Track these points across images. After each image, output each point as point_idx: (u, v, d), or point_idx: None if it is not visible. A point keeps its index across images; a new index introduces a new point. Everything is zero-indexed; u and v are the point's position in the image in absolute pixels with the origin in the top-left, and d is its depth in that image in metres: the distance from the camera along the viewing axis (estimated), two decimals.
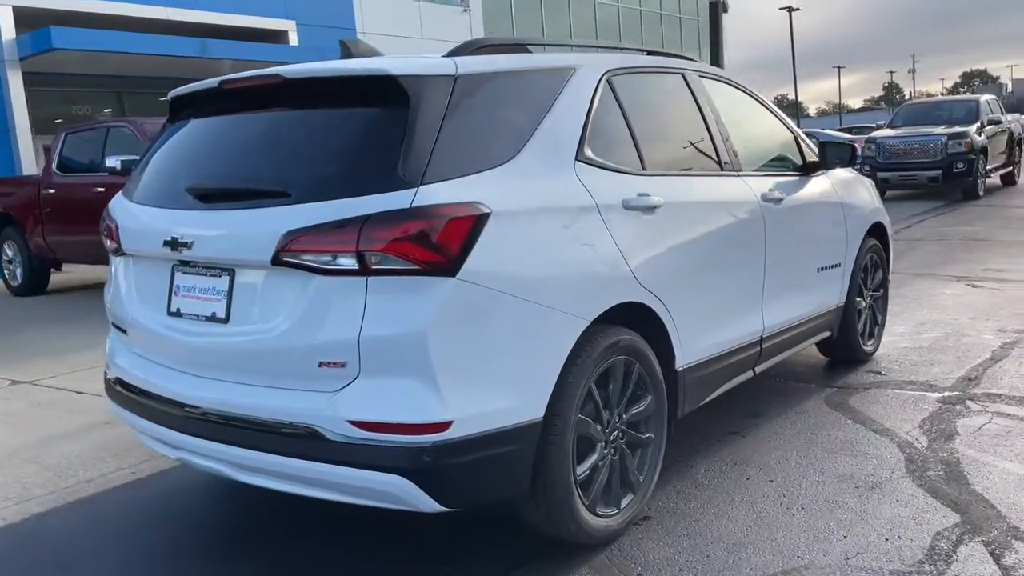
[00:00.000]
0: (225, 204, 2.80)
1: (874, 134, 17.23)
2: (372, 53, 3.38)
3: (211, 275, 2.82)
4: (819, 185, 4.62)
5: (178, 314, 2.91)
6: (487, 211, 2.54)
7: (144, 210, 3.07)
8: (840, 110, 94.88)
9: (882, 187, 15.01)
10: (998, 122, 16.67)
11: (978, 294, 7.11)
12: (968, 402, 4.36)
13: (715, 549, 2.94)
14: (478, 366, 2.53)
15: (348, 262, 2.46)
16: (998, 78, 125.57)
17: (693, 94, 3.84)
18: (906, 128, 16.47)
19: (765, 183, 4.08)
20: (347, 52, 3.33)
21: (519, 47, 3.17)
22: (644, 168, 3.27)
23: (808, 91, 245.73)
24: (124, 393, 3.16)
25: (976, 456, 3.64)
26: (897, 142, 15.85)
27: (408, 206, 2.43)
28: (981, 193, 15.55)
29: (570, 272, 2.80)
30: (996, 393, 4.47)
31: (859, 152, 4.27)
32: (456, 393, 2.46)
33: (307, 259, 2.51)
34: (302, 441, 2.55)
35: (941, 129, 15.65)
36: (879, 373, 4.99)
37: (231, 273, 2.76)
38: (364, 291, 2.46)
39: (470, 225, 2.50)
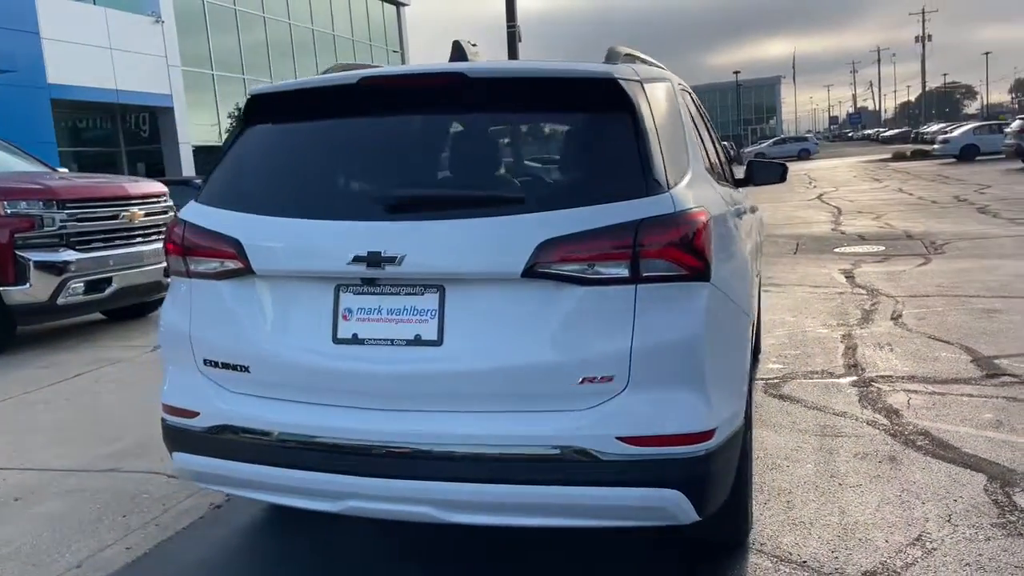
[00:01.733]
0: (441, 213, 2.50)
1: None
2: (475, 56, 3.18)
3: (408, 293, 2.50)
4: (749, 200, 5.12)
5: (354, 340, 2.53)
6: (710, 215, 2.58)
7: (300, 223, 2.60)
8: None
9: None
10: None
11: (771, 298, 8.17)
12: (875, 384, 5.09)
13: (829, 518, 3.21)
14: (722, 371, 2.55)
15: (618, 270, 2.35)
16: None
17: (696, 106, 4.09)
18: None
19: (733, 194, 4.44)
20: (460, 53, 3.09)
21: (632, 57, 3.19)
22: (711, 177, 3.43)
23: None
24: (246, 441, 2.65)
25: (937, 426, 4.29)
26: None
27: (673, 211, 2.40)
28: None
29: (742, 274, 2.91)
30: (887, 375, 5.27)
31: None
32: (715, 399, 2.46)
33: (569, 269, 2.36)
34: (565, 465, 2.37)
35: None
36: (777, 366, 5.62)
37: (440, 289, 2.48)
38: (633, 300, 2.37)
39: (711, 229, 2.52)
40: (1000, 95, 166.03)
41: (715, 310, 2.49)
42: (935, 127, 59.38)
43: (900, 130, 79.82)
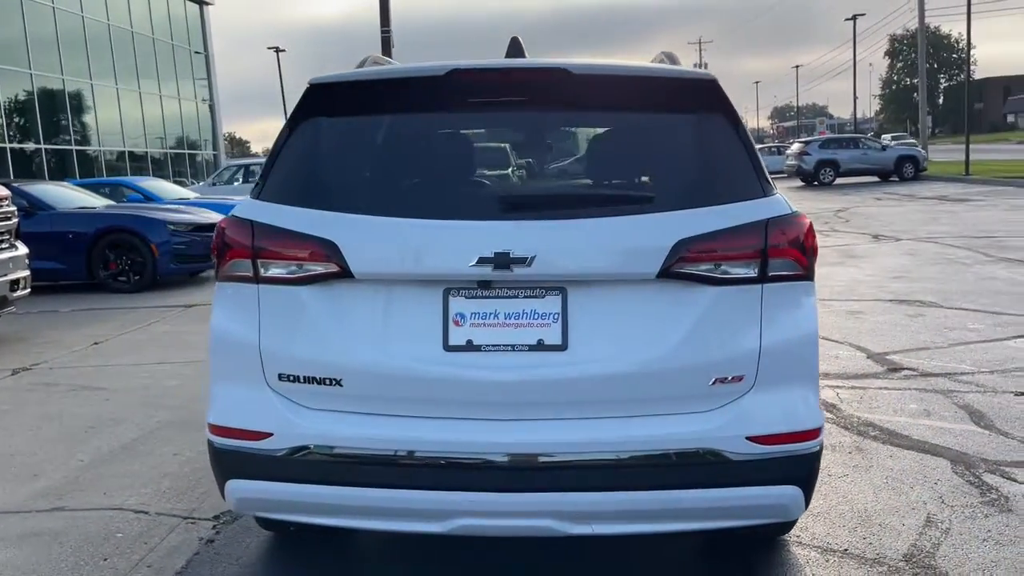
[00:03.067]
0: (570, 213, 2.39)
1: None
2: (522, 53, 3.07)
3: (528, 296, 2.38)
4: None
5: (469, 347, 2.37)
6: None
7: (411, 224, 2.39)
8: None
9: None
10: None
11: None
12: None
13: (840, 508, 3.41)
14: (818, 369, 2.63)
15: (747, 270, 2.38)
16: None
17: None
18: None
19: None
20: (518, 49, 2.96)
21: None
22: None
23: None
24: (335, 462, 2.41)
25: (877, 417, 4.65)
26: None
27: (791, 211, 2.45)
28: None
29: None
30: None
31: None
32: (818, 396, 2.54)
33: (704, 269, 2.35)
34: (694, 469, 2.36)
35: None
36: None
37: (562, 292, 2.38)
38: (760, 299, 2.40)
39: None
40: (762, 121, 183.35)
41: (815, 307, 2.57)
42: None
43: None
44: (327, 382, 2.43)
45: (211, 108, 39.16)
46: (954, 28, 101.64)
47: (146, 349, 7.10)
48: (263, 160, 22.47)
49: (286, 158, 2.60)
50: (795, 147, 32.45)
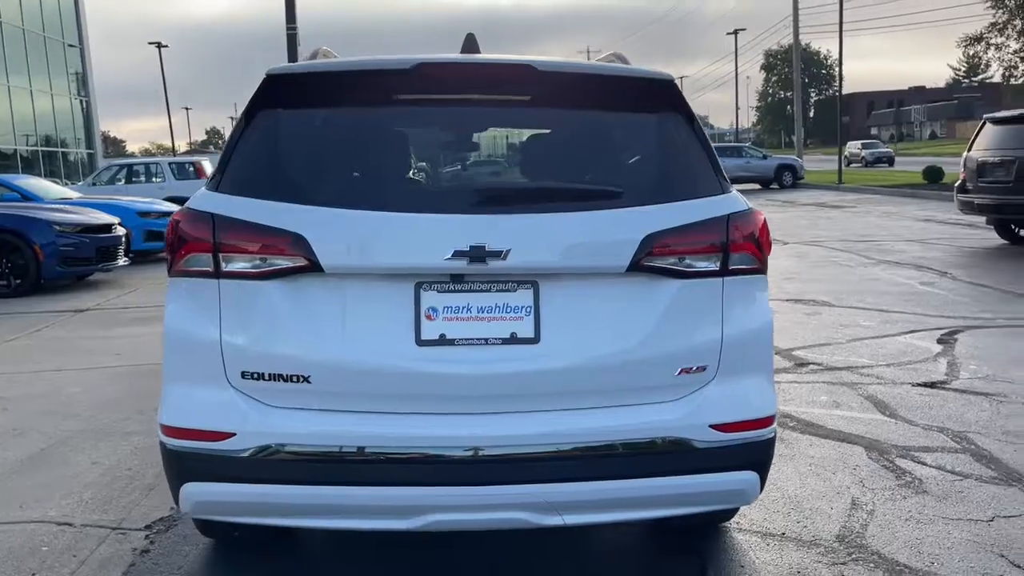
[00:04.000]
0: (541, 207, 2.41)
1: None
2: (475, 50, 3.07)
3: (500, 290, 2.39)
4: None
5: (442, 342, 2.36)
6: None
7: (384, 217, 2.36)
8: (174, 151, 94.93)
9: None
10: None
11: None
12: None
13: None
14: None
15: (709, 263, 2.46)
16: None
17: None
18: None
19: None
20: (473, 45, 2.95)
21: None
22: None
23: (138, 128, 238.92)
24: (301, 461, 2.35)
25: (792, 409, 4.88)
26: None
27: (748, 207, 2.56)
28: None
29: None
30: None
31: None
32: (772, 385, 2.66)
33: (670, 263, 2.42)
34: (661, 457, 2.42)
35: None
36: None
37: (533, 285, 2.40)
38: (721, 291, 2.49)
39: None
40: None
41: (768, 301, 2.68)
42: None
43: None
44: (294, 379, 2.37)
45: (86, 104, 37.26)
46: (823, 45, 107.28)
47: (39, 356, 6.71)
48: (150, 160, 21.56)
49: (245, 150, 2.52)
50: None
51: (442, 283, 2.38)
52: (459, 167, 2.51)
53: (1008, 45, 79.91)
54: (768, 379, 2.59)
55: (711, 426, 2.46)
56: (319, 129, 2.57)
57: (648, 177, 2.53)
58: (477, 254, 2.31)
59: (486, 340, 2.38)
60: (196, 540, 3.26)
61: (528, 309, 2.39)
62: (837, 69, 32.84)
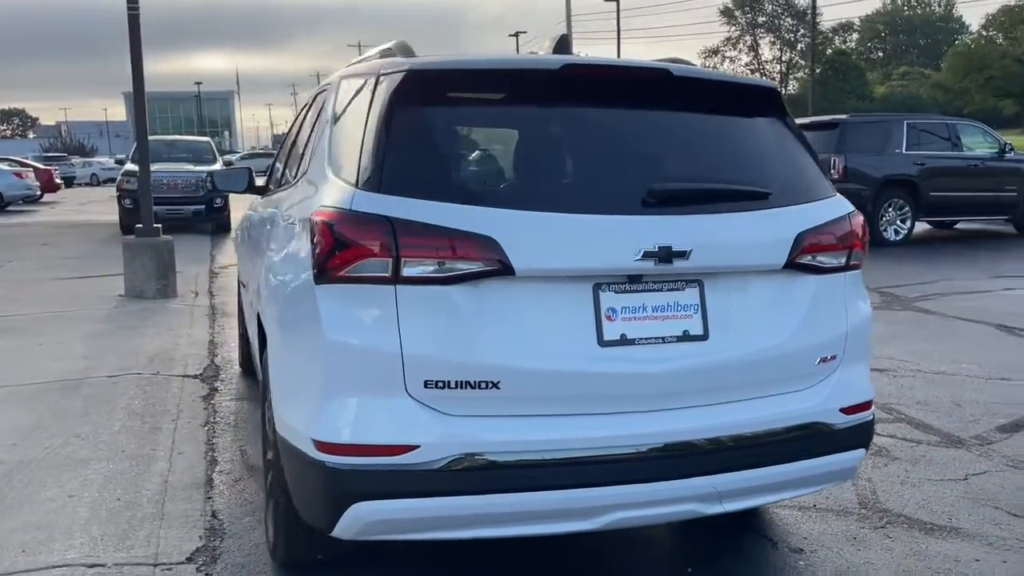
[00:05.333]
0: (711, 207, 2.49)
1: (129, 167, 16.99)
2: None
3: (671, 289, 2.46)
4: None
5: (623, 342, 2.40)
6: None
7: (574, 219, 2.34)
8: None
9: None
10: (230, 162, 18.46)
11: None
12: None
13: None
14: None
15: (838, 259, 2.69)
16: (37, 119, 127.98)
17: None
18: (156, 164, 16.71)
19: None
20: (566, 47, 2.95)
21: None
22: None
23: None
24: (493, 470, 2.30)
25: None
26: (163, 176, 16.11)
27: (854, 208, 2.80)
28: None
29: None
30: None
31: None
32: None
33: (814, 259, 2.61)
34: (805, 441, 2.61)
35: (198, 167, 16.60)
36: None
37: (699, 284, 2.49)
38: (844, 285, 2.72)
39: None
40: None
41: None
42: None
43: None
44: (483, 385, 2.31)
45: None
46: (598, 51, 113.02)
47: None
48: None
49: (398, 148, 2.40)
50: None
51: (619, 284, 2.42)
52: (617, 168, 2.54)
53: (740, 58, 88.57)
54: (868, 364, 2.86)
55: (840, 409, 2.69)
56: (474, 128, 2.51)
57: (782, 179, 2.70)
58: (664, 254, 2.38)
59: (663, 339, 2.45)
60: (254, 568, 3.03)
61: (696, 307, 2.49)
62: None
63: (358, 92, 2.81)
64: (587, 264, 2.38)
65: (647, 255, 2.37)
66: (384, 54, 3.08)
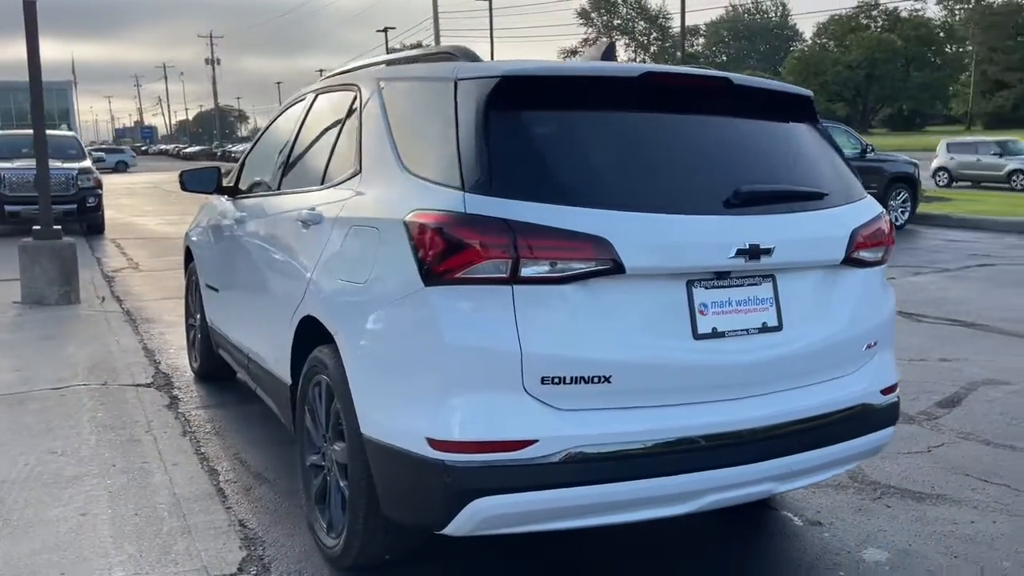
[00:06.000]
0: (785, 207, 2.70)
1: None
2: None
3: (750, 284, 2.64)
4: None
5: (714, 335, 2.55)
6: None
7: (675, 219, 2.48)
8: None
9: (12, 221, 14.71)
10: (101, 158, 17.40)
11: None
12: None
13: None
14: None
15: (877, 254, 2.95)
16: None
17: None
18: (19, 161, 15.68)
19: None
20: (612, 53, 3.06)
21: None
22: None
23: None
24: (604, 461, 2.40)
25: None
26: (27, 175, 15.05)
27: (883, 209, 3.08)
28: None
29: None
30: None
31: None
32: None
33: (862, 254, 2.86)
34: (856, 421, 2.86)
35: (69, 164, 15.60)
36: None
37: (772, 278, 2.68)
38: (880, 278, 2.99)
39: None
40: (264, 120, 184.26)
41: None
42: (241, 146, 63.55)
43: (202, 147, 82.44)
44: (596, 380, 2.41)
45: None
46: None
47: None
48: None
49: (499, 153, 2.46)
50: None
51: (707, 280, 2.58)
52: (703, 170, 2.69)
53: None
54: (893, 351, 3.15)
55: (880, 391, 2.95)
56: (570, 131, 2.59)
57: (830, 180, 2.94)
58: (753, 252, 2.56)
59: (747, 331, 2.63)
60: (311, 574, 3.00)
61: (770, 301, 2.68)
62: None
63: (428, 96, 2.84)
64: (688, 262, 2.53)
65: (739, 252, 2.55)
66: (438, 58, 3.12)
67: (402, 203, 2.61)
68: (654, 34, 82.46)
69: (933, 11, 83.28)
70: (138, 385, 5.41)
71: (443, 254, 2.39)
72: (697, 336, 2.55)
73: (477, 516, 2.39)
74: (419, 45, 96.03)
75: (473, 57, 2.92)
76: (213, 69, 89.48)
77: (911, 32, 76.22)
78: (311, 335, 3.16)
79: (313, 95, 4.05)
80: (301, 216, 3.30)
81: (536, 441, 2.36)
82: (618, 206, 2.46)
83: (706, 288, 2.58)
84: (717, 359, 2.57)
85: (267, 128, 4.83)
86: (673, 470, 2.50)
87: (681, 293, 2.55)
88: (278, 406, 3.73)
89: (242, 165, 4.95)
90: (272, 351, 3.66)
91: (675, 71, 2.82)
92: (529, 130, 2.56)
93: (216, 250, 4.89)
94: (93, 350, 6.32)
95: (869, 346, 2.94)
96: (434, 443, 2.39)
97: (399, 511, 2.63)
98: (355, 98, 3.38)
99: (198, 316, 5.46)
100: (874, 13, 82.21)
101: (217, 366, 5.40)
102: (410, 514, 2.60)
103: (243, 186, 4.84)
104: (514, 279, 2.36)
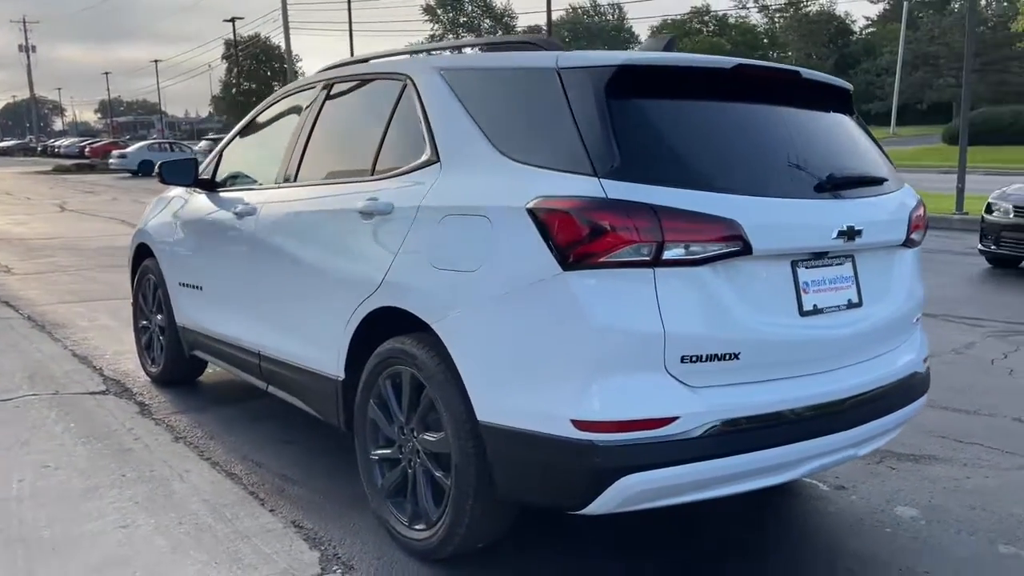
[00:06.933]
0: (868, 191, 2.94)
1: None
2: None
3: (837, 264, 2.83)
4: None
5: (815, 311, 2.73)
6: None
7: (790, 203, 2.66)
8: None
9: None
10: None
11: None
12: None
13: None
14: None
15: (920, 235, 3.23)
16: None
17: None
18: None
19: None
20: (672, 47, 3.14)
21: None
22: None
23: None
24: (735, 434, 2.53)
25: None
26: None
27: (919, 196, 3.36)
28: None
29: None
30: None
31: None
32: None
33: (916, 236, 3.14)
34: (911, 387, 3.13)
35: None
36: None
37: (851, 259, 2.89)
38: (918, 258, 3.27)
39: None
40: (88, 114, 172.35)
41: None
42: (67, 141, 59.56)
43: (19, 141, 76.34)
44: (727, 357, 2.53)
45: None
46: (319, 43, 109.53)
47: None
48: None
49: (627, 140, 2.53)
50: (202, 145, 35.22)
51: (807, 260, 2.75)
52: (799, 157, 2.83)
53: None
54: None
55: (923, 360, 3.24)
56: (684, 120, 2.69)
57: (884, 166, 3.19)
58: (852, 233, 2.77)
59: (839, 307, 2.83)
60: (398, 566, 2.97)
61: (851, 279, 2.90)
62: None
63: (524, 85, 2.85)
64: (798, 243, 2.71)
65: (840, 234, 2.75)
66: (520, 47, 3.14)
67: (517, 190, 2.62)
68: (499, 32, 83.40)
69: (756, 18, 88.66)
70: (93, 393, 5.05)
71: (584, 239, 2.43)
72: (803, 313, 2.72)
73: (623, 493, 2.46)
74: (257, 36, 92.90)
75: (557, 47, 2.96)
76: (28, 57, 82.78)
77: (739, 37, 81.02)
78: (380, 327, 3.11)
79: (324, 85, 3.93)
80: (359, 207, 3.22)
81: (678, 418, 2.46)
82: (741, 191, 2.59)
83: (807, 268, 2.76)
84: (819, 334, 2.76)
85: (253, 120, 4.63)
86: (791, 439, 2.66)
87: (787, 273, 2.71)
88: (315, 403, 3.62)
89: (219, 157, 4.72)
90: (311, 347, 3.54)
91: (761, 64, 2.98)
92: (648, 118, 2.65)
93: (198, 246, 4.63)
94: (17, 359, 5.82)
95: (916, 320, 3.23)
96: (580, 424, 2.43)
97: (530, 494, 2.65)
98: (404, 87, 3.33)
99: (159, 318, 5.15)
100: (706, 18, 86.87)
101: (184, 370, 5.12)
102: (545, 496, 2.62)
103: (221, 179, 4.63)
104: (656, 262, 2.44)
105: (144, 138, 58.15)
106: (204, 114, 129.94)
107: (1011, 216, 9.88)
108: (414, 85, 3.28)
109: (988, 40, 52.14)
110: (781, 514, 3.56)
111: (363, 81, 3.75)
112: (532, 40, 3.09)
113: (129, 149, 37.60)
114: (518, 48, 3.20)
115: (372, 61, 3.88)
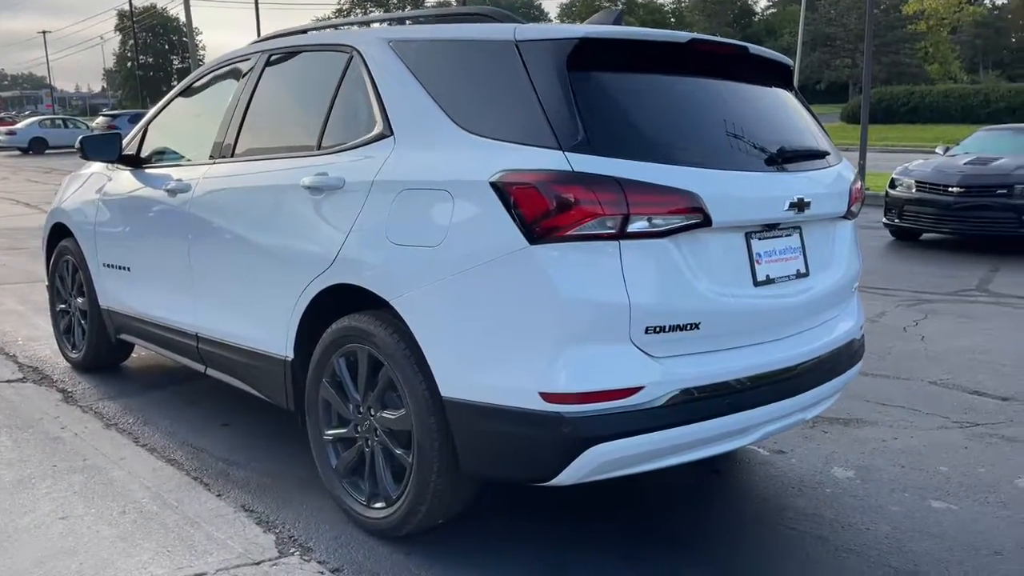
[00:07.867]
0: (811, 165, 3.02)
1: None
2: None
3: (786, 235, 2.92)
4: None
5: (767, 281, 2.81)
6: None
7: (744, 176, 2.71)
8: None
9: None
10: None
11: None
12: None
13: None
14: None
15: (857, 208, 3.35)
16: None
17: None
18: None
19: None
20: (619, 20, 3.14)
21: None
22: None
23: None
24: (698, 402, 2.59)
25: None
26: None
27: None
28: None
29: None
30: None
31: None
32: None
33: (854, 208, 3.25)
34: (851, 354, 3.26)
35: None
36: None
37: (799, 230, 2.98)
38: (854, 229, 3.39)
39: None
40: None
41: None
42: None
43: None
44: (688, 327, 2.58)
45: None
46: (181, 13, 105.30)
47: None
48: None
49: (589, 113, 2.54)
50: (100, 120, 33.99)
51: (759, 232, 2.83)
52: (752, 131, 2.87)
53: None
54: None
55: (860, 327, 3.38)
56: (641, 93, 2.71)
57: (824, 140, 3.28)
58: (802, 204, 2.86)
59: (788, 277, 2.92)
60: (355, 543, 2.94)
61: (798, 250, 2.99)
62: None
63: (481, 57, 2.82)
64: (753, 216, 2.77)
65: (791, 205, 2.83)
66: (471, 19, 3.10)
67: (479, 164, 2.61)
68: (408, 7, 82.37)
69: None
70: (10, 382, 4.81)
71: (550, 212, 2.44)
72: (756, 283, 2.80)
73: (591, 463, 2.49)
74: (154, 7, 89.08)
75: (507, 18, 2.94)
76: None
77: (647, 16, 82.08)
78: (332, 305, 3.05)
79: (261, 57, 3.80)
80: (306, 183, 3.14)
81: (643, 388, 2.50)
82: (700, 164, 2.64)
83: (760, 239, 2.83)
84: (772, 303, 2.84)
85: (180, 94, 4.45)
86: (750, 405, 2.74)
87: (742, 244, 2.78)
88: (261, 385, 3.53)
89: (144, 132, 4.52)
90: (256, 328, 3.45)
91: (713, 39, 3.02)
92: (608, 91, 2.66)
93: (125, 226, 4.44)
94: None
95: (855, 288, 3.36)
96: (548, 396, 2.45)
97: (496, 468, 2.66)
98: (350, 59, 3.25)
99: (79, 300, 4.93)
100: None
101: (108, 355, 4.92)
102: (513, 469, 2.63)
103: (146, 155, 4.44)
104: (622, 235, 2.46)
105: (33, 114, 55.10)
106: (96, 88, 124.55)
107: (913, 191, 10.36)
108: (361, 57, 3.20)
109: (882, 22, 54.21)
110: (729, 480, 3.67)
111: (304, 53, 3.64)
112: (484, 12, 3.06)
113: (19, 125, 35.59)
114: (470, 20, 3.16)
115: (312, 32, 3.77)
